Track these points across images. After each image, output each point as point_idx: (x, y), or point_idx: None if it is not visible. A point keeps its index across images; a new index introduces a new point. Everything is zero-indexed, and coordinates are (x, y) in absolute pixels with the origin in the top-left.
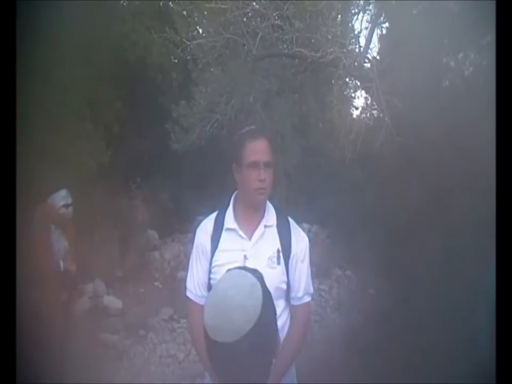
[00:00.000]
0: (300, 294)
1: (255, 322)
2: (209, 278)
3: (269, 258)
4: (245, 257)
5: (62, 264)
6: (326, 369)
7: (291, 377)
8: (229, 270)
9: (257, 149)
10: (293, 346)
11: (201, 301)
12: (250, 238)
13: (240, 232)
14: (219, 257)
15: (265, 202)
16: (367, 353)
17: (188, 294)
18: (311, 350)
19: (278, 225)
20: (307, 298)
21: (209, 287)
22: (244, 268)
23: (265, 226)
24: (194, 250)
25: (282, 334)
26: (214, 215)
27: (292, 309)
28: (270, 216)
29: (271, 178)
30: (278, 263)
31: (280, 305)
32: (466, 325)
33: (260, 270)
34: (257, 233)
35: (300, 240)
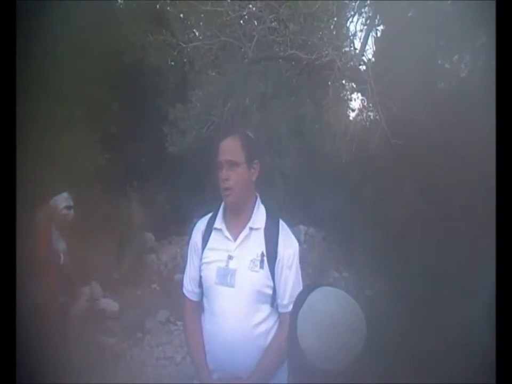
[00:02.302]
0: (285, 302)
1: (365, 336)
2: (200, 276)
3: (251, 261)
4: (229, 257)
5: (62, 257)
6: (323, 370)
7: (282, 378)
8: (315, 289)
9: (222, 149)
10: (274, 354)
11: (192, 297)
12: (235, 239)
13: (226, 233)
14: (207, 255)
15: (254, 204)
16: (364, 354)
17: (183, 289)
18: None
19: (266, 228)
20: None
21: (200, 284)
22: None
23: (250, 228)
24: (189, 247)
25: (266, 341)
26: (209, 215)
27: (280, 316)
28: (258, 218)
29: (238, 178)
30: (261, 267)
31: (264, 309)
32: (465, 325)
33: (242, 272)
34: (242, 235)
35: (288, 245)
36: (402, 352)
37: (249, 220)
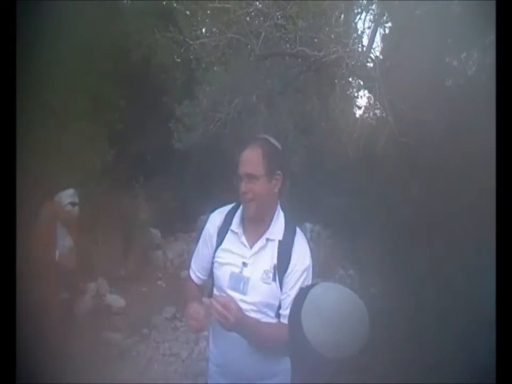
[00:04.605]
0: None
1: (369, 330)
2: (210, 268)
3: (264, 272)
4: (244, 264)
5: (57, 254)
6: (326, 369)
7: (286, 378)
8: (316, 286)
9: (242, 161)
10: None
11: (197, 281)
12: (251, 247)
13: (243, 239)
14: (221, 255)
15: (273, 213)
16: (367, 353)
17: (190, 270)
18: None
19: (282, 241)
20: None
21: (209, 274)
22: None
23: (267, 239)
24: (203, 233)
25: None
26: (228, 208)
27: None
28: (276, 230)
29: (258, 191)
30: (274, 279)
31: (270, 318)
32: (467, 324)
33: (254, 282)
34: (258, 244)
35: (300, 261)
36: (404, 350)
37: (267, 229)
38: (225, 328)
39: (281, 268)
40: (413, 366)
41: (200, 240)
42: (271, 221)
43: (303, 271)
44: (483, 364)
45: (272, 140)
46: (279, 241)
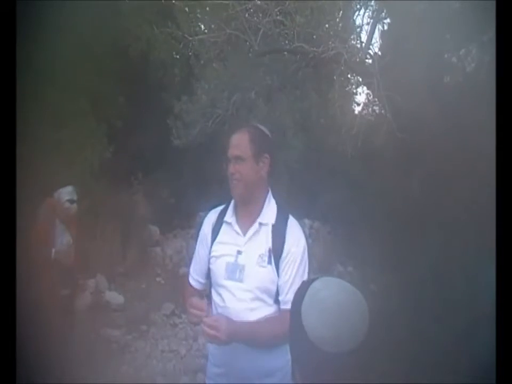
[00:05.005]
0: (287, 298)
1: (368, 324)
2: (208, 268)
3: (259, 256)
4: (238, 252)
5: (53, 251)
6: (327, 365)
7: (286, 376)
8: (317, 280)
9: (231, 144)
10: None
11: (196, 286)
12: (244, 234)
13: (236, 227)
14: (216, 248)
15: (264, 198)
16: (367, 351)
17: (189, 277)
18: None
19: (275, 224)
20: None
21: (207, 276)
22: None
23: (260, 224)
24: (199, 235)
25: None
26: (221, 207)
27: (280, 313)
28: (268, 214)
29: (245, 172)
30: (269, 263)
31: (268, 305)
32: (467, 323)
33: (250, 267)
34: (252, 230)
35: (295, 244)
36: (403, 348)
37: (259, 214)
38: (220, 345)
39: (276, 250)
40: (413, 365)
41: (198, 243)
42: (263, 205)
43: (298, 255)
44: (483, 364)
45: (262, 127)
46: (272, 225)
